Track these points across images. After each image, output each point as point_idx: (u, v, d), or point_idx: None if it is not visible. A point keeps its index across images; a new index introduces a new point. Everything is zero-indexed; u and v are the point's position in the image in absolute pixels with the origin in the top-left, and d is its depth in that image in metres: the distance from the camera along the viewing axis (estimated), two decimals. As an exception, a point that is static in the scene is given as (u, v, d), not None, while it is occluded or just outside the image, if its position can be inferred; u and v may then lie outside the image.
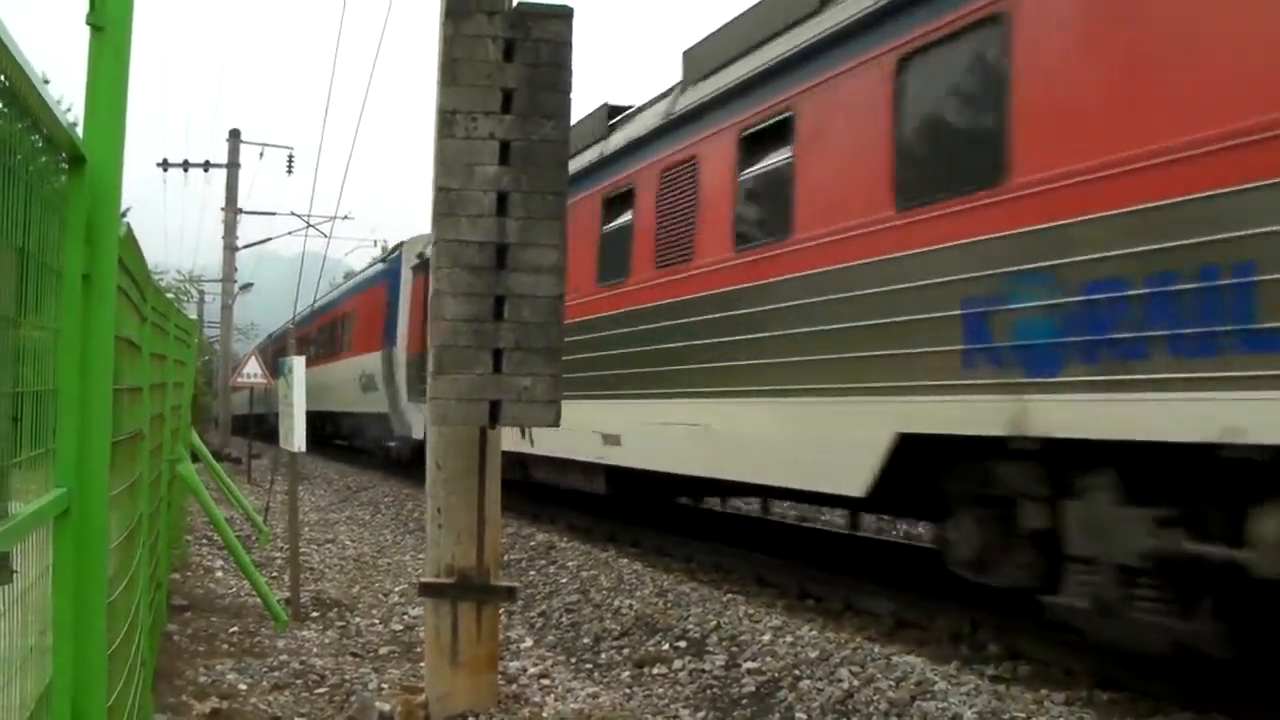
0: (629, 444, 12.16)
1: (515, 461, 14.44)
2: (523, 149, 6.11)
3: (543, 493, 16.38)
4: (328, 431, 36.10)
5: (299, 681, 7.16)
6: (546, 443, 13.46)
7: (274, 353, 33.68)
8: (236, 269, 36.92)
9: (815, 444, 8.83)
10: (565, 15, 6.25)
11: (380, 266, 28.57)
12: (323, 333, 35.69)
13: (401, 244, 25.21)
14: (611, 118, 13.97)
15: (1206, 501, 5.82)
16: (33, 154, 2.48)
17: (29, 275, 2.42)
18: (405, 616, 9.47)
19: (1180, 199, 5.67)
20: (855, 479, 8.10)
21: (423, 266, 19.41)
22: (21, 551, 2.41)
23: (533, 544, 13.11)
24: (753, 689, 7.03)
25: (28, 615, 2.52)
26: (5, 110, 2.26)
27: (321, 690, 6.99)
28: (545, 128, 6.14)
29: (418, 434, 20.13)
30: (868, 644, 7.42)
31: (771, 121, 9.62)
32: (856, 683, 6.61)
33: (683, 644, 8.20)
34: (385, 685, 7.08)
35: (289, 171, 37.26)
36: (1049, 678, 7.11)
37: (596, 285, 12.97)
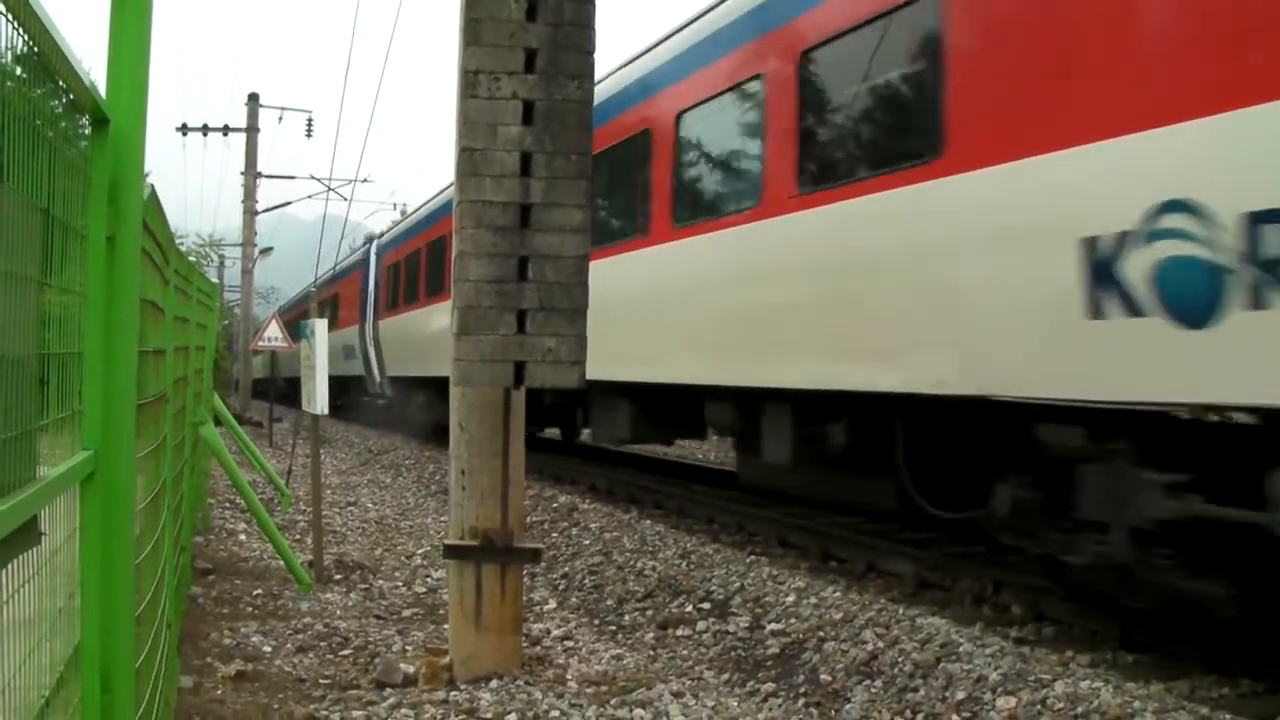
0: None
1: None
2: (546, 109, 6.06)
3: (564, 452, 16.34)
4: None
5: (323, 644, 7.19)
6: None
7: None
8: (256, 233, 36.98)
9: None
10: (588, -27, 6.16)
11: None
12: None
13: None
14: None
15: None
16: (56, 116, 2.46)
17: (54, 238, 2.40)
18: (429, 579, 9.50)
19: None
20: None
21: None
22: (49, 514, 2.40)
23: (555, 505, 13.12)
24: (777, 651, 7.03)
25: (56, 578, 2.52)
26: (31, 73, 2.24)
27: (346, 652, 7.02)
28: (569, 88, 6.08)
29: None
30: (891, 606, 7.40)
31: None
32: (881, 644, 6.59)
33: (706, 606, 8.20)
34: (409, 647, 7.11)
35: (308, 135, 37.29)
36: (1074, 639, 7.09)
37: None
